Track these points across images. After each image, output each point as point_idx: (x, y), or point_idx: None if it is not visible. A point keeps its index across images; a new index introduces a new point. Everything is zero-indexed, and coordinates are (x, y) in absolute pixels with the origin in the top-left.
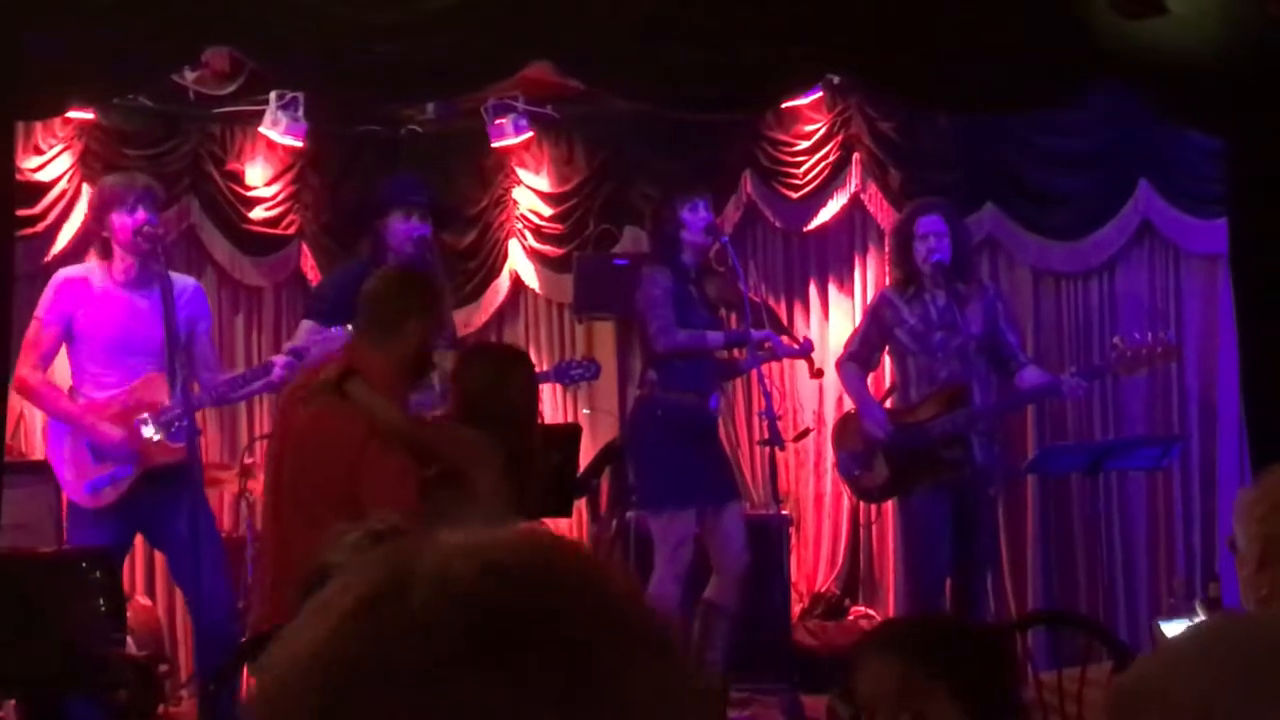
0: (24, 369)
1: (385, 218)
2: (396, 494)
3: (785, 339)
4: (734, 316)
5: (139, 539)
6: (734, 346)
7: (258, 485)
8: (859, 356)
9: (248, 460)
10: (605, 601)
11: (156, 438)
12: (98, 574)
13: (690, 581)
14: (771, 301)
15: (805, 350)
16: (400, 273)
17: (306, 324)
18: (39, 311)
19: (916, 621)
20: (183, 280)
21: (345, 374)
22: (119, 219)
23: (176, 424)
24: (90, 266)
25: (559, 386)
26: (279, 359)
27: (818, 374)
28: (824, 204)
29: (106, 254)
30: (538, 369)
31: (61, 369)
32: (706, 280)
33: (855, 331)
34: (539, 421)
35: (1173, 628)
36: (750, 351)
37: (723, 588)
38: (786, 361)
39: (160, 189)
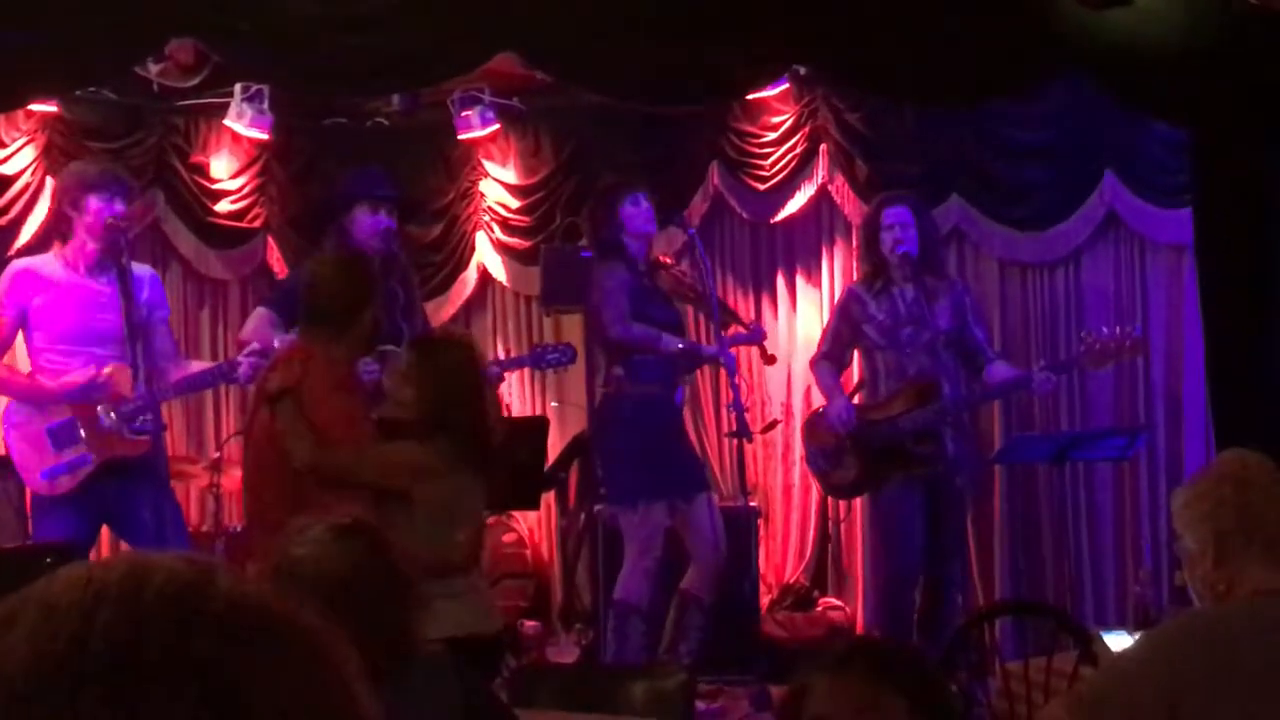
0: None
1: (350, 211)
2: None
3: (734, 328)
4: (689, 309)
5: (106, 533)
6: (688, 360)
7: (226, 479)
8: (832, 355)
9: (215, 454)
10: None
11: (116, 429)
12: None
13: (662, 575)
14: (739, 293)
15: (755, 337)
16: (342, 261)
17: (262, 312)
18: None
19: (875, 642)
20: (140, 269)
21: (281, 392)
22: (96, 204)
23: (140, 417)
24: (45, 257)
25: (528, 377)
26: (244, 359)
27: (770, 360)
28: (791, 195)
29: (65, 240)
30: (508, 357)
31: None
32: (658, 275)
33: (825, 330)
34: (497, 408)
35: (1114, 639)
36: (718, 344)
37: (699, 579)
38: (754, 355)
39: (136, 184)
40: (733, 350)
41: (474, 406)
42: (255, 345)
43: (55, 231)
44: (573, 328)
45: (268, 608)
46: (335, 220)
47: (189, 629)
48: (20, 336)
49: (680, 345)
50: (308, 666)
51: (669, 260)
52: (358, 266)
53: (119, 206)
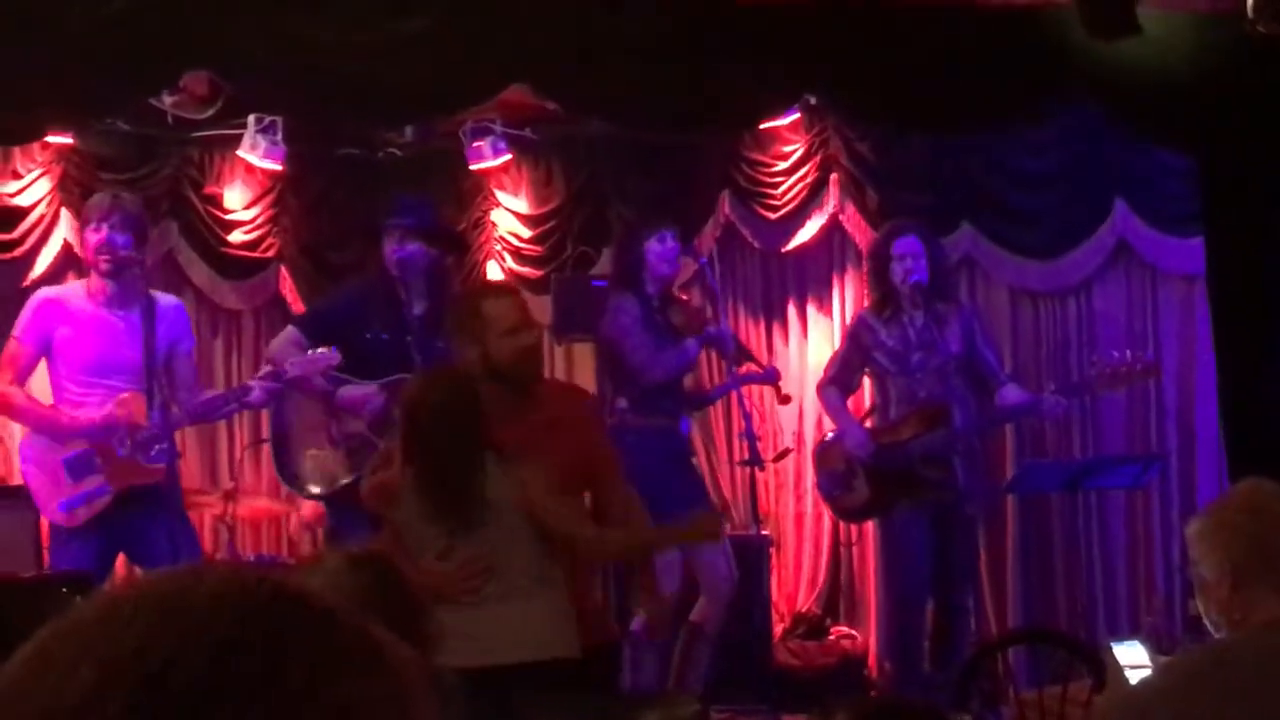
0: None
1: (382, 239)
2: None
3: (748, 366)
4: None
5: (123, 562)
6: (708, 346)
7: (240, 509)
8: (839, 380)
9: (229, 484)
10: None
11: (132, 457)
12: (78, 598)
13: (680, 607)
14: (750, 322)
15: (769, 377)
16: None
17: (290, 332)
18: (16, 330)
19: (901, 702)
20: (166, 300)
21: None
22: (84, 235)
23: (155, 446)
24: (72, 287)
25: None
26: (256, 382)
27: (785, 400)
28: (802, 224)
29: (85, 274)
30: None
31: (44, 393)
32: (670, 308)
33: (834, 355)
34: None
35: (1123, 650)
36: (724, 378)
37: (709, 609)
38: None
39: (136, 210)
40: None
41: (441, 444)
42: (268, 368)
43: (76, 261)
44: (585, 358)
45: (353, 624)
46: (377, 245)
47: (279, 648)
48: (44, 365)
49: (696, 346)
50: (402, 688)
51: (684, 295)
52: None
53: (104, 231)
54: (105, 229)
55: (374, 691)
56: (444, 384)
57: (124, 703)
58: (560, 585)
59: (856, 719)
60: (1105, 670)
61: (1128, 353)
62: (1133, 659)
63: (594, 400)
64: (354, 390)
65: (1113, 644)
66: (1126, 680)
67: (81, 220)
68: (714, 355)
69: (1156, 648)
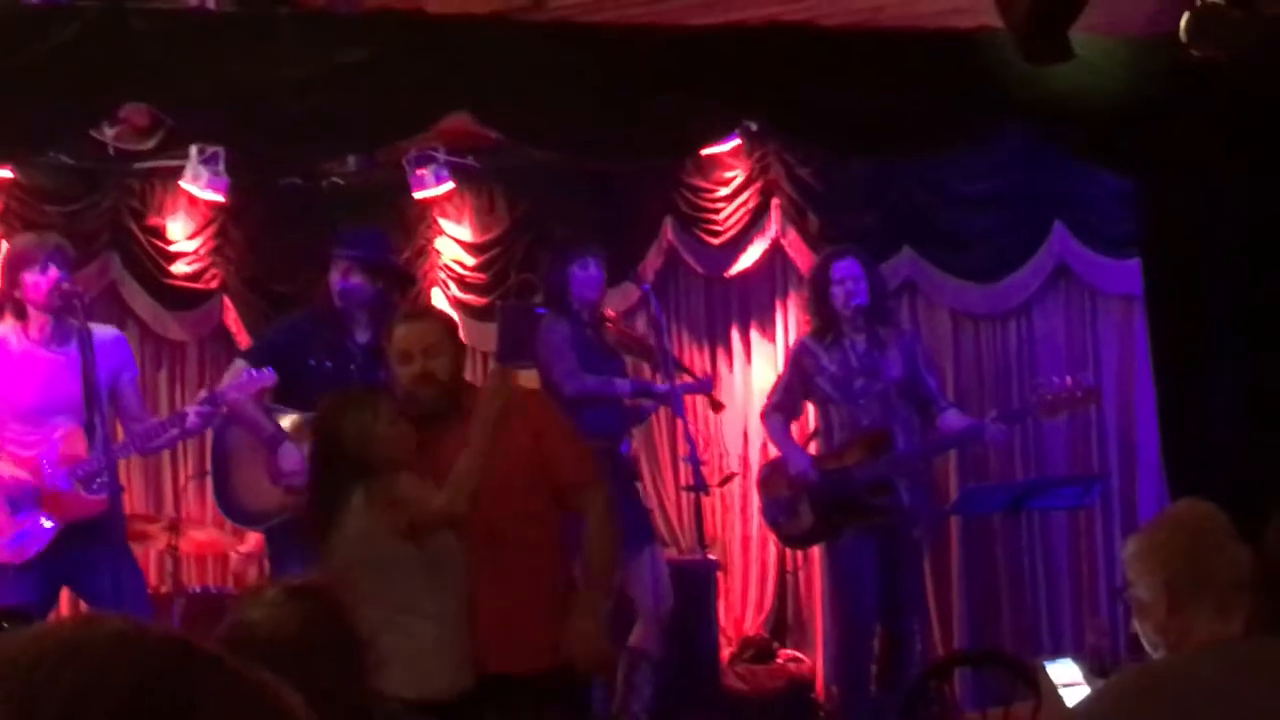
0: None
1: (328, 267)
2: None
3: (683, 377)
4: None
5: (66, 594)
6: (641, 396)
7: (184, 541)
8: (783, 406)
9: (173, 514)
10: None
11: (74, 492)
12: None
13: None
14: (694, 347)
15: (704, 385)
16: None
17: (239, 365)
18: None
19: None
20: (104, 331)
21: None
22: (31, 278)
23: (96, 479)
24: (6, 328)
25: None
26: (192, 408)
27: (719, 407)
28: (744, 250)
29: (20, 314)
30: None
31: None
32: (603, 330)
33: (777, 381)
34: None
35: (1057, 669)
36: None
37: (646, 632)
38: (707, 408)
39: (69, 246)
40: (684, 398)
41: (312, 474)
42: (203, 394)
43: (8, 304)
44: (530, 385)
45: (220, 663)
46: (323, 275)
47: (144, 683)
48: None
49: (630, 387)
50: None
51: (613, 315)
52: None
53: (54, 271)
54: (54, 268)
55: None
56: (325, 410)
57: None
58: (444, 618)
59: None
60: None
61: (1068, 379)
62: (1066, 678)
63: (541, 396)
64: (293, 456)
65: (1046, 663)
66: (1060, 700)
67: (21, 263)
68: (649, 372)
69: (1098, 668)
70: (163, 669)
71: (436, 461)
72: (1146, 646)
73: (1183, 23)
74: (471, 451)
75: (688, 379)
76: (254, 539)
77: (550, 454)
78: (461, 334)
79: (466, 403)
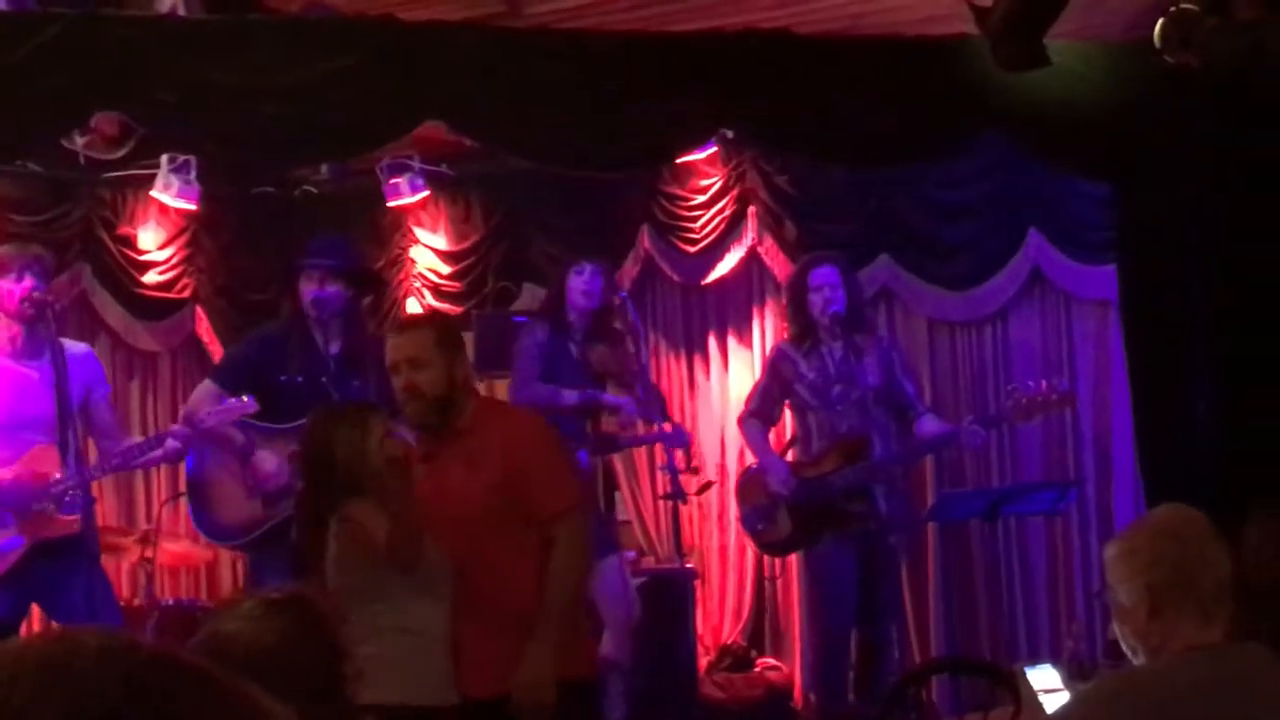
0: None
1: (298, 278)
2: None
3: (648, 426)
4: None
5: (36, 610)
6: (588, 407)
7: (159, 553)
8: (760, 413)
9: (146, 527)
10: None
11: (46, 510)
12: None
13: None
14: (671, 355)
15: (677, 440)
16: None
17: (207, 385)
18: None
19: None
20: (74, 347)
21: None
22: (5, 286)
23: (69, 496)
24: None
25: None
26: (174, 430)
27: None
28: (721, 257)
29: None
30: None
31: None
32: (592, 346)
33: (755, 387)
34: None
35: (1036, 674)
36: (622, 422)
37: (615, 642)
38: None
39: (50, 257)
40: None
41: (338, 474)
42: (181, 418)
43: None
44: (504, 394)
45: (207, 675)
46: (291, 287)
47: (133, 697)
48: None
49: (577, 398)
50: None
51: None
52: None
53: (29, 281)
54: (30, 277)
55: None
56: (313, 426)
57: None
58: (426, 632)
59: None
60: (1021, 694)
61: (1043, 383)
62: (1046, 683)
63: (537, 416)
64: (268, 460)
65: (1025, 669)
66: (1040, 706)
67: None
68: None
69: (1076, 673)
70: (151, 683)
71: (433, 477)
72: (1126, 651)
73: (1157, 29)
74: (391, 516)
75: (665, 427)
76: (227, 558)
77: (522, 481)
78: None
79: (464, 418)
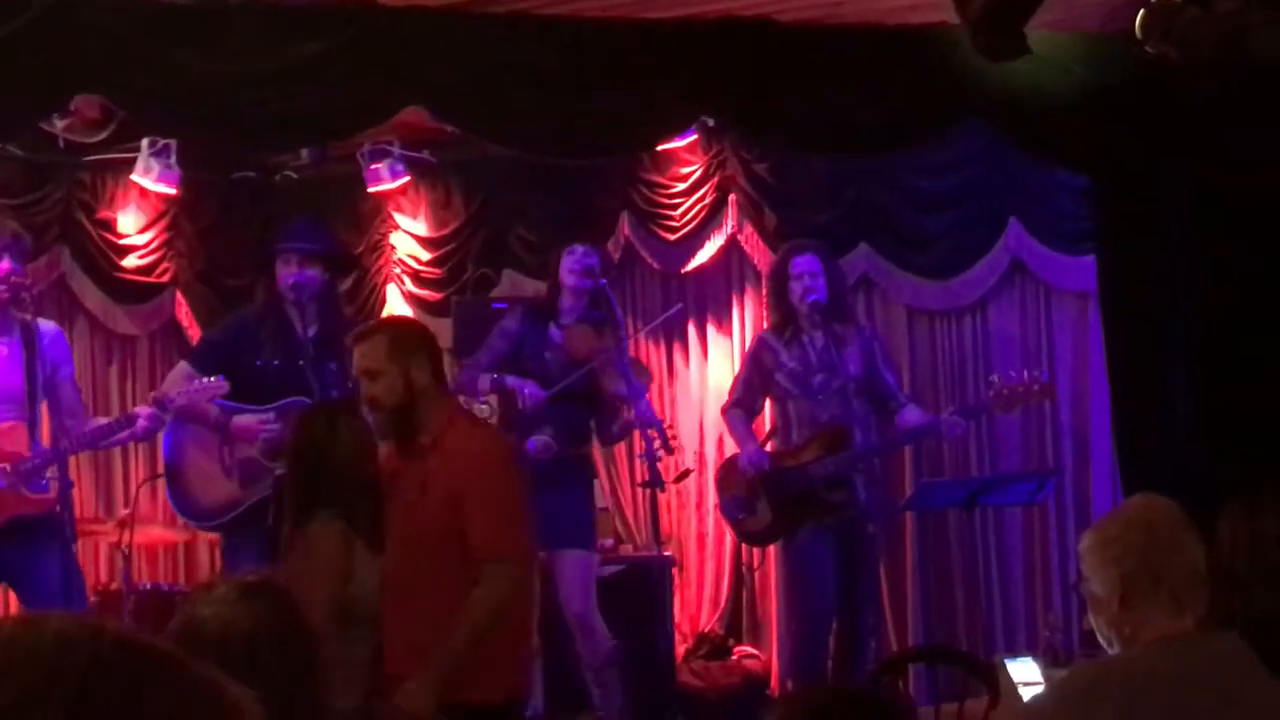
0: None
1: (275, 262)
2: None
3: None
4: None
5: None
6: (497, 391)
7: (135, 536)
8: (743, 403)
9: (124, 512)
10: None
11: (14, 488)
12: None
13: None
14: (650, 343)
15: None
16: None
17: (183, 367)
18: None
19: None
20: (45, 325)
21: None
22: None
23: (39, 475)
24: None
25: None
26: (143, 410)
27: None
28: (701, 245)
29: None
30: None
31: None
32: (576, 326)
33: (737, 378)
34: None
35: (1017, 667)
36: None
37: (581, 642)
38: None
39: (28, 238)
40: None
41: (343, 475)
42: (152, 399)
43: None
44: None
45: (167, 657)
46: (267, 271)
47: (91, 682)
48: None
49: (489, 383)
50: (222, 717)
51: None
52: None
53: (6, 264)
54: (7, 259)
55: None
56: (296, 424)
57: None
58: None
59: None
60: (999, 688)
61: (1024, 373)
62: (1026, 676)
63: (497, 448)
64: (247, 418)
65: (1006, 661)
66: (1020, 698)
67: None
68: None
69: (1053, 663)
70: (109, 666)
71: (394, 492)
72: (1101, 641)
73: (1139, 20)
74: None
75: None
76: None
77: (462, 513)
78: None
79: (429, 433)
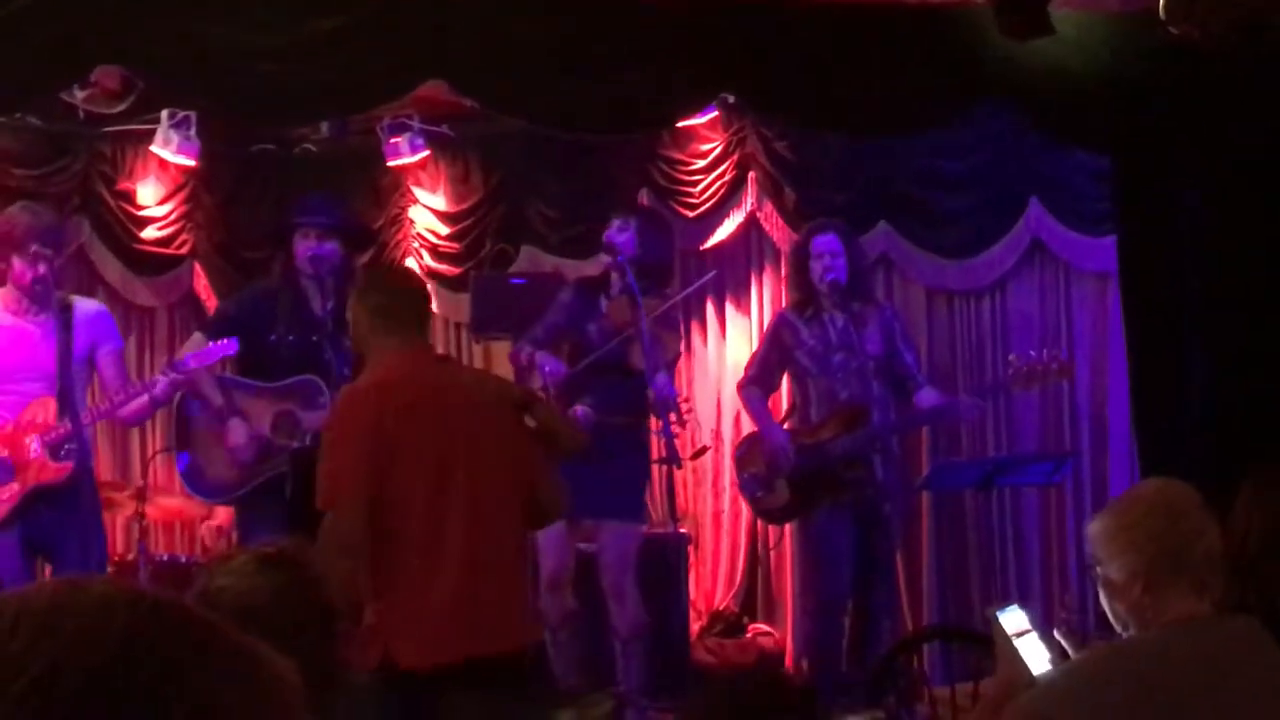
0: None
1: (292, 236)
2: None
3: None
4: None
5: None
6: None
7: (152, 508)
8: (760, 380)
9: (140, 482)
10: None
11: (41, 458)
12: None
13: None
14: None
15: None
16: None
17: (198, 338)
18: None
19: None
20: (86, 304)
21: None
22: (20, 265)
23: (66, 445)
24: None
25: None
26: (162, 377)
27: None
28: (720, 223)
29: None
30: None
31: None
32: (615, 301)
33: (755, 355)
34: None
35: (1007, 617)
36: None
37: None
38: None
39: (64, 229)
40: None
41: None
42: (165, 363)
43: None
44: (502, 355)
45: (211, 627)
46: (284, 245)
47: (132, 646)
48: None
49: (525, 358)
50: (263, 687)
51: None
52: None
53: (43, 268)
54: (43, 265)
55: (252, 703)
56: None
57: (7, 709)
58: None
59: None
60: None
61: (1043, 352)
62: (1017, 626)
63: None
64: (237, 432)
65: (997, 613)
66: (1014, 648)
67: (12, 245)
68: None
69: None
70: (151, 634)
71: None
72: (1115, 625)
73: (1161, 1)
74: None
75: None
76: (223, 512)
77: (533, 471)
78: (435, 304)
79: None
